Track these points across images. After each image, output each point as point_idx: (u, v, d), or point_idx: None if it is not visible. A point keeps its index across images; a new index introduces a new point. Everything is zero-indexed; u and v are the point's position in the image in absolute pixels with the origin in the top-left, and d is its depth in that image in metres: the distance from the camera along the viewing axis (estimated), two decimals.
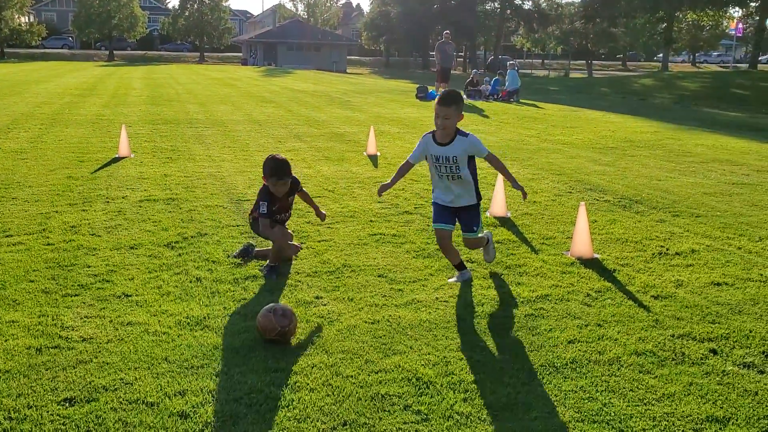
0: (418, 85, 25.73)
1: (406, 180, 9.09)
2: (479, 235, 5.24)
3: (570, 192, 8.65)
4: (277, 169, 5.28)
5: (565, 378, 3.74)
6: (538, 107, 21.64)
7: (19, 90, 22.86)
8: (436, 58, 25.02)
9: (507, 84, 24.26)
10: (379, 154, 11.22)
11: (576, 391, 3.60)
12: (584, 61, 58.53)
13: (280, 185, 5.33)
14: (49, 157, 10.11)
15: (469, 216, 5.16)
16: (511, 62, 25.77)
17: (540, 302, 4.86)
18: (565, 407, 3.45)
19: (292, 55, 65.31)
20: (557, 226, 6.97)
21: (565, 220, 7.16)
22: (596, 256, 5.92)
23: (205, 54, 73.15)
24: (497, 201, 7.32)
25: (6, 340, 3.98)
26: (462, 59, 64.94)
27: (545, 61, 76.70)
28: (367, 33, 74.35)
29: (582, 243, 5.88)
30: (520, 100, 23.38)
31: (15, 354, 3.82)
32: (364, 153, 11.29)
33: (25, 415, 3.21)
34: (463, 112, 4.95)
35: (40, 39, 69.25)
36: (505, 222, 7.06)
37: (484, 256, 5.60)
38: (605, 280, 5.36)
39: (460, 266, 5.24)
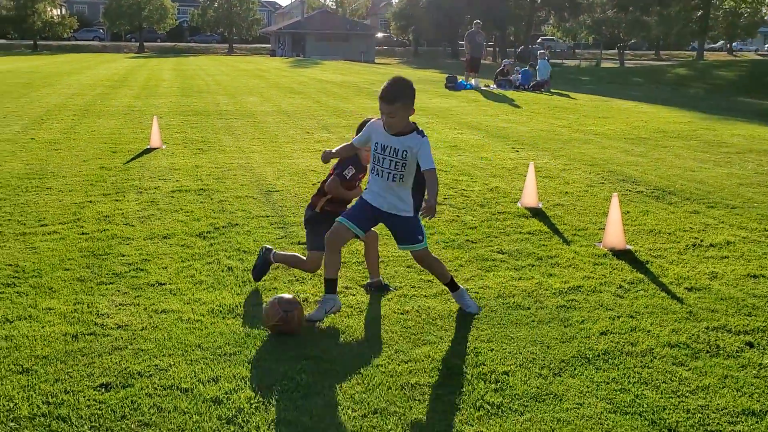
0: (447, 75, 25.60)
1: None
2: (424, 246, 4.29)
3: (602, 183, 8.55)
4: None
5: (597, 369, 3.71)
6: (569, 97, 21.41)
7: (52, 82, 23.23)
8: (465, 48, 24.86)
9: (538, 74, 24.04)
10: None
11: (608, 383, 3.57)
12: (616, 51, 57.67)
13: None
14: (82, 148, 10.27)
15: (403, 223, 4.26)
16: (541, 51, 25.47)
17: (572, 293, 4.82)
18: (597, 398, 3.42)
19: (321, 45, 65.36)
20: (589, 217, 6.90)
21: (597, 211, 7.09)
22: (629, 247, 5.85)
23: (234, 45, 73.57)
24: (528, 192, 7.26)
25: (43, 327, 4.06)
26: (492, 49, 64.47)
27: (576, 50, 75.83)
28: (395, 23, 74.14)
29: (614, 234, 5.82)
30: (551, 90, 23.14)
31: (52, 340, 3.90)
32: None
33: (62, 399, 3.27)
34: (413, 108, 4.11)
35: (72, 31, 70.21)
36: (536, 213, 7.00)
37: (464, 307, 4.47)
38: (638, 272, 5.29)
39: (330, 286, 4.18)
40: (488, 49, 53.32)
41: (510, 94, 21.99)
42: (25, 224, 6.21)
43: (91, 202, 7.08)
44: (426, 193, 4.14)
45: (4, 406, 3.20)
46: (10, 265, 5.13)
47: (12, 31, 63.62)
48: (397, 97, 4.05)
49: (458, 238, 6.07)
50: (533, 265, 5.40)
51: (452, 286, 4.46)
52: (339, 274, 4.30)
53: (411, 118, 4.16)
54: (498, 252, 5.70)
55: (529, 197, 7.24)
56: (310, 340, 3.99)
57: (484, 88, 23.49)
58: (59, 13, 70.66)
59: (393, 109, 4.04)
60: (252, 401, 3.32)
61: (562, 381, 3.58)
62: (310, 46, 65.44)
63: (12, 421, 3.09)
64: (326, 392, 3.42)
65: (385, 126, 4.14)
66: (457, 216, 6.81)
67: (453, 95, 21.19)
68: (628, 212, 7.01)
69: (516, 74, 24.56)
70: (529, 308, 4.55)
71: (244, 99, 18.65)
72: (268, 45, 77.02)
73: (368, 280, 4.85)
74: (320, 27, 67.69)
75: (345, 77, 29.75)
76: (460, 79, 24.52)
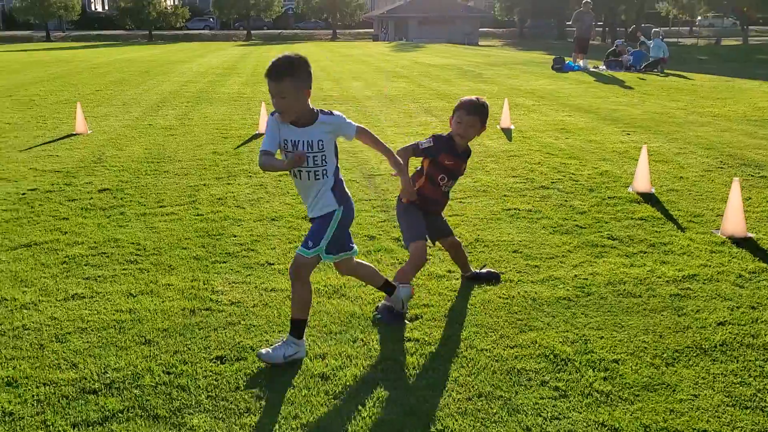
0: (554, 57, 24.91)
1: (542, 153, 8.87)
2: (308, 255, 3.53)
3: (721, 167, 8.09)
4: (467, 103, 4.19)
5: (714, 361, 3.54)
6: (685, 78, 20.34)
7: (166, 70, 24.37)
8: (574, 28, 24.08)
9: (651, 52, 22.96)
10: (513, 127, 11.01)
11: (726, 375, 3.39)
12: (739, 28, 54.14)
13: (465, 123, 4.15)
14: (196, 134, 10.73)
15: (313, 224, 3.62)
16: (655, 30, 24.26)
17: (687, 282, 4.60)
18: (714, 390, 3.26)
19: (423, 29, 65.11)
20: (706, 203, 6.55)
21: (715, 197, 6.72)
22: (750, 235, 5.52)
23: (338, 31, 74.57)
24: (641, 175, 6.97)
25: (163, 302, 4.30)
26: (601, 29, 62.13)
27: (693, 28, 71.82)
28: (500, 4, 72.78)
29: (735, 221, 5.50)
30: (666, 71, 22.06)
31: (171, 314, 4.12)
32: (498, 126, 11.12)
33: (181, 370, 3.46)
34: (310, 87, 3.45)
35: (184, 21, 73.28)
36: (649, 198, 6.72)
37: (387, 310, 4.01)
38: (760, 261, 4.98)
39: (300, 330, 3.57)
40: (597, 29, 51.41)
41: (621, 75, 21.14)
42: (145, 205, 6.58)
43: (205, 185, 7.40)
44: (379, 150, 3.64)
45: (129, 374, 3.42)
46: (133, 243, 5.44)
47: (130, 22, 67.09)
48: (286, 72, 3.37)
49: (566, 223, 5.92)
50: (645, 252, 5.19)
51: (386, 288, 3.91)
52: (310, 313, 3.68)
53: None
54: (608, 238, 5.52)
55: (642, 182, 6.95)
56: (414, 323, 4.02)
57: (593, 70, 22.71)
58: (172, 3, 73.81)
59: (281, 87, 3.36)
60: (358, 379, 3.38)
61: (676, 371, 3.44)
62: (413, 30, 65.34)
63: (136, 389, 3.29)
64: (430, 374, 3.44)
65: (280, 116, 3.45)
66: (565, 200, 6.64)
67: (560, 77, 20.61)
68: (749, 198, 6.61)
69: (628, 54, 23.57)
70: (640, 296, 4.38)
71: (347, 84, 18.90)
72: (371, 30, 77.54)
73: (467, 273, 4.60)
74: (423, 10, 67.40)
75: (447, 60, 29.54)
76: (568, 60, 23.81)
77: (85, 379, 3.37)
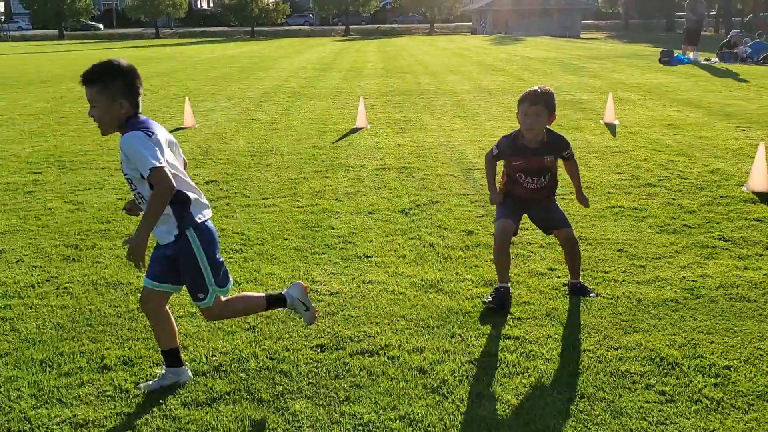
0: (662, 49, 23.87)
1: (648, 150, 8.54)
2: (209, 304, 3.18)
3: None
4: (530, 93, 4.04)
5: None
6: None
7: (267, 66, 25.06)
8: (686, 18, 23.01)
9: None
10: (617, 122, 10.64)
11: None
12: None
13: (531, 114, 4.00)
14: (296, 128, 10.98)
15: (183, 265, 3.13)
16: None
17: None
18: None
19: (523, 22, 63.90)
20: None
21: None
22: None
23: (435, 25, 74.37)
24: (757, 174, 6.57)
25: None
26: (714, 19, 59.06)
27: None
28: None
29: None
30: None
31: None
32: (601, 121, 10.78)
33: (283, 356, 3.56)
34: (130, 102, 3.00)
35: (285, 17, 75.08)
36: (766, 198, 6.34)
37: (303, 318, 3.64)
38: None
39: (172, 359, 3.29)
40: (709, 19, 48.94)
41: (735, 68, 20.01)
42: (248, 197, 6.79)
43: (304, 178, 7.57)
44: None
45: (235, 358, 3.55)
46: (238, 233, 5.64)
47: (233, 19, 69.41)
48: (95, 79, 2.97)
49: (674, 222, 5.67)
50: (761, 255, 4.90)
51: (276, 303, 3.47)
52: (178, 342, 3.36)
53: None
54: (720, 239, 5.25)
55: (758, 180, 6.56)
56: (513, 320, 3.96)
57: (705, 62, 21.61)
58: (274, 0, 75.76)
59: (91, 95, 2.98)
60: (456, 374, 3.37)
61: None
62: (512, 23, 64.24)
63: (242, 372, 3.41)
64: (530, 373, 3.38)
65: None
66: (673, 199, 6.36)
67: (668, 70, 19.74)
68: None
69: (744, 45, 22.26)
70: (755, 301, 4.14)
71: (445, 78, 18.82)
72: (469, 23, 76.84)
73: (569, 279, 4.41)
74: (523, 3, 66.14)
75: (548, 53, 28.89)
76: (677, 53, 22.77)
77: (195, 361, 3.52)
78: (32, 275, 4.75)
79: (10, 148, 9.35)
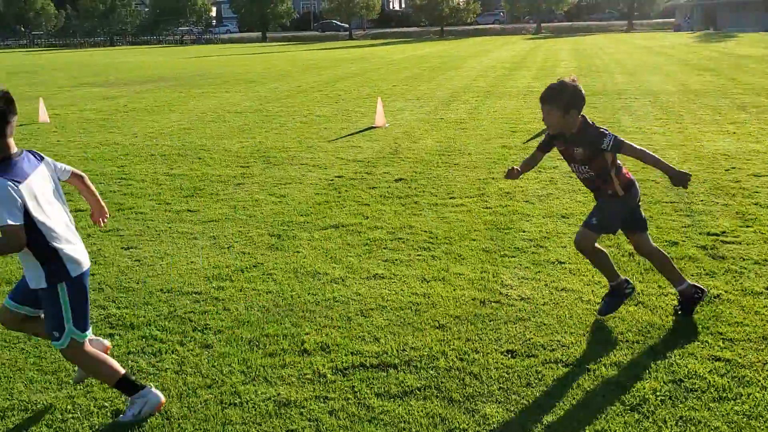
0: None
1: None
2: (63, 346, 3.02)
3: None
4: (544, 90, 3.80)
5: None
6: None
7: (456, 65, 25.19)
8: None
9: None
10: None
11: None
12: None
13: (543, 111, 3.78)
14: (485, 127, 10.92)
15: (46, 306, 3.03)
16: None
17: None
18: None
19: (736, 16, 58.58)
20: None
21: None
22: None
23: (634, 22, 70.57)
24: None
25: (454, 290, 4.44)
26: None
27: None
28: None
29: None
30: None
31: (462, 303, 4.24)
32: None
33: (473, 358, 3.54)
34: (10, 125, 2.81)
35: (475, 16, 75.02)
36: None
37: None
38: None
39: (127, 386, 3.13)
40: None
41: None
42: (436, 196, 6.86)
43: (493, 178, 7.50)
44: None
45: (425, 354, 3.59)
46: (426, 231, 5.71)
47: (424, 19, 70.65)
48: None
49: None
50: None
51: (127, 388, 3.15)
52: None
53: None
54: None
55: None
56: (726, 341, 3.63)
57: None
58: None
59: None
60: (657, 393, 3.16)
61: None
62: (723, 18, 59.18)
63: (432, 370, 3.45)
64: (744, 400, 3.08)
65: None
66: None
67: None
68: None
69: None
70: None
71: (644, 77, 17.81)
72: (672, 20, 72.05)
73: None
74: None
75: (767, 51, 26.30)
76: None
77: (386, 353, 3.62)
78: (241, 260, 5.14)
79: (222, 143, 10.21)
